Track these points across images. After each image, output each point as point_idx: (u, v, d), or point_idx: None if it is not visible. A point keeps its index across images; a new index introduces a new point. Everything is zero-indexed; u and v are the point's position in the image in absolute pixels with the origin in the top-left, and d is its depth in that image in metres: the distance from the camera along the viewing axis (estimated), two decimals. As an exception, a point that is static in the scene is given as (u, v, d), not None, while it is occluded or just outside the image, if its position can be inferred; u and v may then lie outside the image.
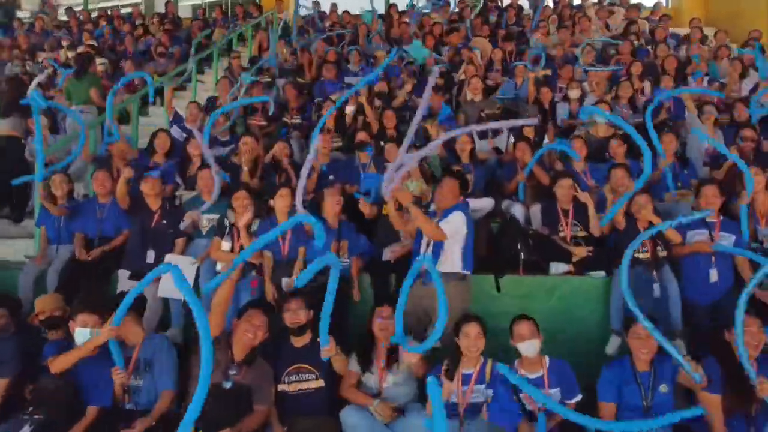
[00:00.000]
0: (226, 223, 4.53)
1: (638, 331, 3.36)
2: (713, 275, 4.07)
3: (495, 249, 4.65)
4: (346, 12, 12.28)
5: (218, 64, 9.40)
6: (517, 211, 5.06)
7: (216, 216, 4.76)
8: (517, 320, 3.55)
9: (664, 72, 7.35)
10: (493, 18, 10.99)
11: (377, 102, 7.18)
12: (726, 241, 4.22)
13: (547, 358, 3.53)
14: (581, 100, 7.01)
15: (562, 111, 6.97)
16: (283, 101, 7.50)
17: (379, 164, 5.52)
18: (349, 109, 6.68)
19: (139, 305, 3.77)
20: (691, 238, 4.33)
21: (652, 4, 12.01)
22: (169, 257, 4.55)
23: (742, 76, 7.27)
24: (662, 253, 4.32)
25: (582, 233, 4.69)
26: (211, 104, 7.52)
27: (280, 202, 4.48)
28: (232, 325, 3.57)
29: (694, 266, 4.23)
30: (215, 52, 9.35)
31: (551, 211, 4.84)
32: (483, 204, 5.05)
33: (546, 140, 6.25)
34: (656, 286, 4.15)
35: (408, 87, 7.47)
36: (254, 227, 4.50)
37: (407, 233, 4.43)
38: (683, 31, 10.26)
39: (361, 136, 5.82)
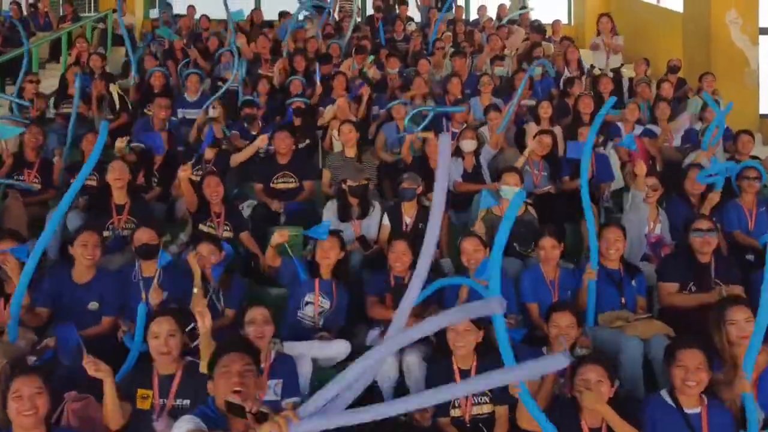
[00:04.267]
0: None
1: None
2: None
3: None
4: (204, 16, 10.09)
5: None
6: (387, 369, 3.15)
7: None
8: None
9: (577, 116, 5.88)
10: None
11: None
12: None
13: None
14: (476, 153, 5.36)
15: (455, 170, 5.23)
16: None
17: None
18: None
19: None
20: None
21: (550, 22, 10.70)
22: None
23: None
24: None
25: (488, 409, 2.99)
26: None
27: None
28: None
29: None
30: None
31: (444, 370, 3.06)
32: (333, 352, 3.25)
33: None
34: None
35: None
36: None
37: None
38: (586, 52, 8.99)
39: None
